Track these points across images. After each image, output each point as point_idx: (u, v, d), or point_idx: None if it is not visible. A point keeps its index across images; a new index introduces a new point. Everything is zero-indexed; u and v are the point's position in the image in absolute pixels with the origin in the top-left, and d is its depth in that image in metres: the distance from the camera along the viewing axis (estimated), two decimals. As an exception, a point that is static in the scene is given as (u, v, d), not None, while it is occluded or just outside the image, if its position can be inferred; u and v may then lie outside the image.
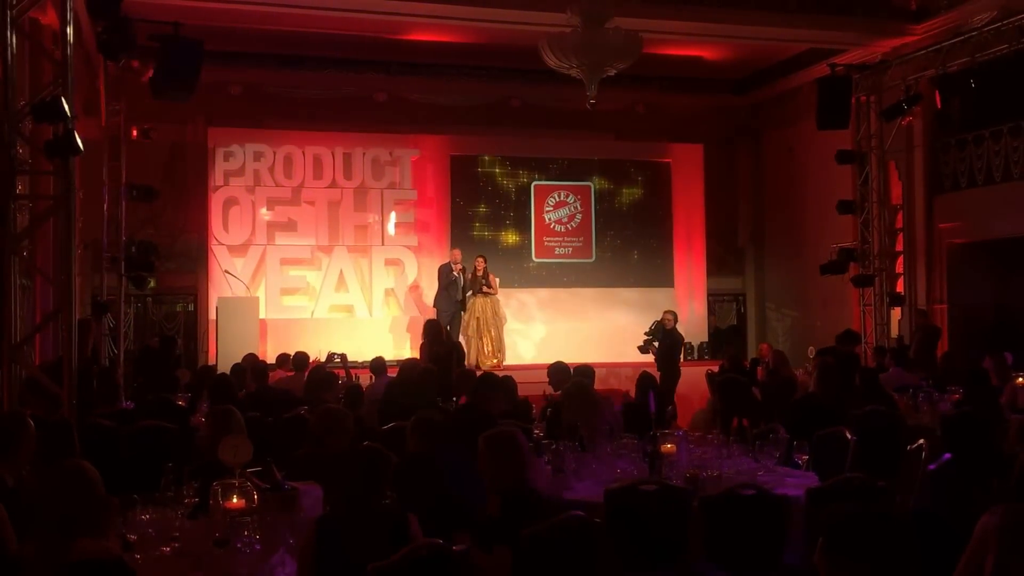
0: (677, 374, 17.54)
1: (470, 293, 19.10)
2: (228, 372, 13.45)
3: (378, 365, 13.81)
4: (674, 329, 18.24)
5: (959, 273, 18.56)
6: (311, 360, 15.43)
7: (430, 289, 19.91)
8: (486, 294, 18.94)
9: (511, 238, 21.85)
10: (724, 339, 22.76)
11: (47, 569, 4.65)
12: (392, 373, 13.49)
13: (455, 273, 19.01)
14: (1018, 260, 17.47)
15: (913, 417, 10.73)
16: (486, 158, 21.98)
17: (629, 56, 13.50)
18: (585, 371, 11.41)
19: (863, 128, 19.63)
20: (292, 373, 13.52)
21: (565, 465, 7.36)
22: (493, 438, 6.28)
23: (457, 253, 19.47)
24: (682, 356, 18.75)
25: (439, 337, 16.29)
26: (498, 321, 19.08)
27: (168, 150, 20.33)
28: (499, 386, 9.37)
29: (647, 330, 18.73)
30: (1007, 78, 16.04)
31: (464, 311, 19.18)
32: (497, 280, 19.33)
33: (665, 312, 18.74)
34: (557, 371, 11.50)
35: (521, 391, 11.15)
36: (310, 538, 5.29)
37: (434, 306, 19.31)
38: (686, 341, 20.31)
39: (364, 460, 5.62)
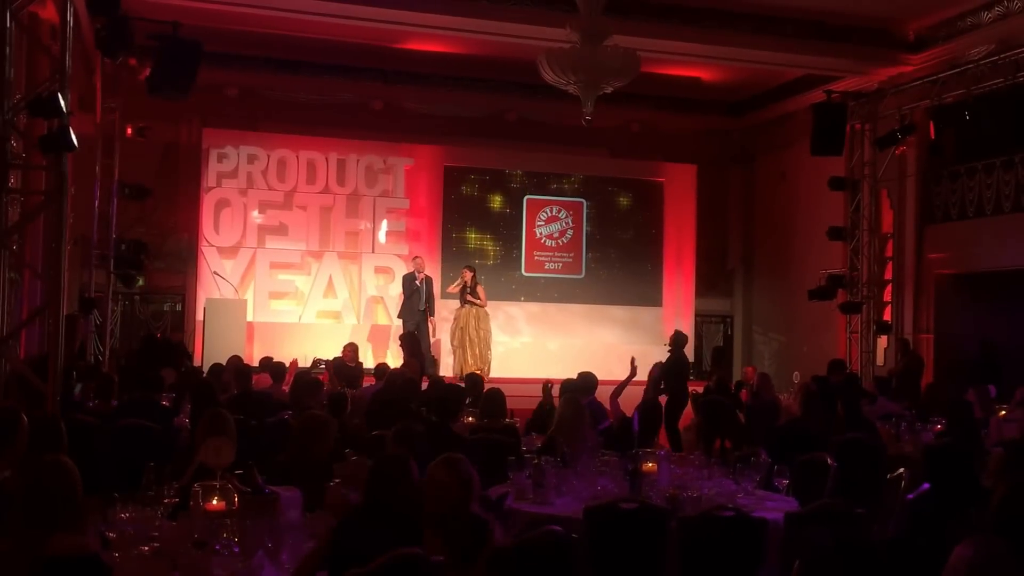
0: (680, 398, 15.92)
1: (458, 304, 19.09)
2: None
3: (380, 372, 13.80)
4: (674, 349, 16.79)
5: (946, 304, 18.61)
6: (291, 363, 15.44)
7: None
8: (471, 303, 18.88)
9: (501, 251, 21.87)
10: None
11: (22, 563, 4.63)
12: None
13: (417, 282, 19.04)
14: (1006, 293, 17.52)
15: (895, 446, 10.75)
16: (480, 170, 22.02)
17: (627, 74, 13.52)
18: (588, 381, 11.37)
19: (856, 156, 19.70)
20: (271, 383, 13.49)
21: (546, 480, 7.36)
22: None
23: (420, 262, 19.52)
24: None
25: (418, 349, 16.36)
26: (482, 334, 19.00)
27: (162, 149, 20.37)
28: None
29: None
30: (1002, 111, 16.10)
31: (426, 322, 19.27)
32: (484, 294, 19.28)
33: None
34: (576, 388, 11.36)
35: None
36: (326, 541, 5.31)
37: (399, 317, 19.36)
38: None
39: (388, 468, 5.62)
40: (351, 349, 16.29)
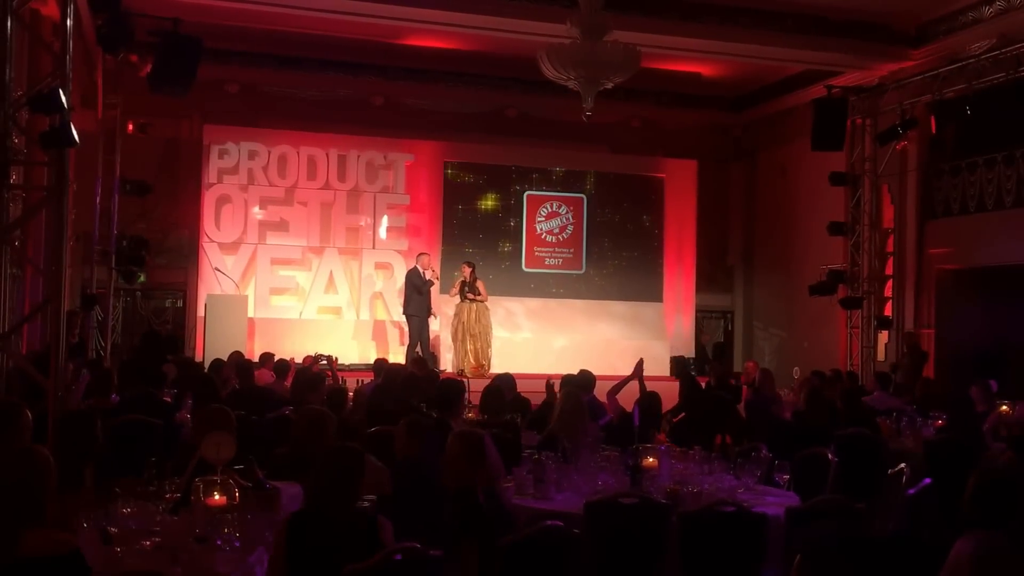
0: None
1: (458, 299, 18.94)
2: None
3: (379, 368, 13.78)
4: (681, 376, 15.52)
5: (947, 299, 18.57)
6: (293, 360, 15.45)
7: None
8: (472, 300, 18.75)
9: (502, 247, 21.86)
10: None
11: None
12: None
13: (428, 277, 18.96)
14: (1007, 288, 17.49)
15: (896, 441, 10.75)
16: (480, 165, 22.01)
17: (627, 70, 13.50)
18: (586, 378, 11.40)
19: (857, 151, 19.70)
20: (274, 378, 13.52)
21: (547, 476, 7.37)
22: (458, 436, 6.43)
23: (425, 260, 19.27)
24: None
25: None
26: (483, 329, 18.87)
27: (163, 145, 20.38)
28: None
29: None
30: (1002, 106, 16.09)
31: (432, 317, 19.26)
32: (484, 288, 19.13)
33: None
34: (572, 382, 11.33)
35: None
36: (281, 535, 5.29)
37: (406, 313, 19.08)
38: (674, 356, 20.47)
39: (338, 459, 5.61)
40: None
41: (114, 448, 8.98)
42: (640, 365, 11.94)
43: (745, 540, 6.58)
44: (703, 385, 15.04)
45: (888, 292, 19.60)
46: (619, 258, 22.55)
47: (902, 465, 8.69)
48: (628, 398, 11.39)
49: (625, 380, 11.63)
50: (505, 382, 11.93)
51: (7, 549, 4.45)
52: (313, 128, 20.93)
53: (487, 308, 18.98)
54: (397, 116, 21.62)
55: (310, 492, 5.60)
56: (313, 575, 5.19)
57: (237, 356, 14.41)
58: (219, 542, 5.22)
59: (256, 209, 20.50)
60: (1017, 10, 15.80)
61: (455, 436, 6.41)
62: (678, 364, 15.49)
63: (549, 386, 12.32)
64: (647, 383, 12.15)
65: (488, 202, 21.95)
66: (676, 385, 16.46)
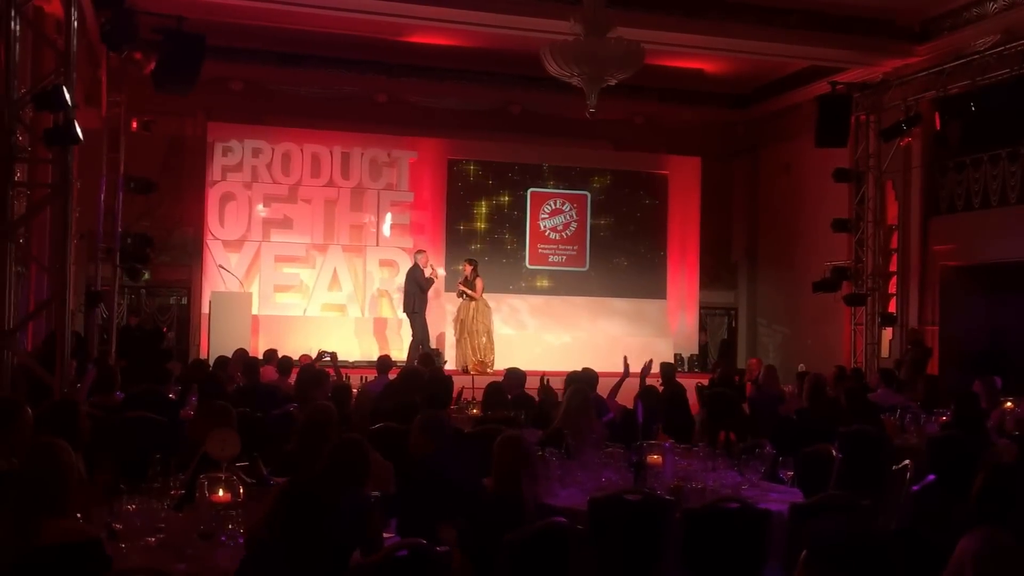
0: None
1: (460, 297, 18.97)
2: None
3: (382, 364, 13.76)
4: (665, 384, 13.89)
5: (952, 296, 18.56)
6: (299, 358, 15.46)
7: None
8: (470, 297, 18.74)
9: (505, 244, 21.86)
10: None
11: (15, 550, 4.52)
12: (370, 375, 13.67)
13: (429, 275, 18.98)
14: (1011, 285, 17.49)
15: (899, 438, 10.74)
16: (484, 163, 22.01)
17: (630, 66, 13.48)
18: (590, 376, 11.41)
19: (861, 147, 19.69)
20: (277, 376, 13.52)
21: (550, 472, 7.36)
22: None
23: (424, 257, 19.23)
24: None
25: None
26: (480, 326, 18.75)
27: (167, 143, 20.41)
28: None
29: None
30: (1007, 103, 16.12)
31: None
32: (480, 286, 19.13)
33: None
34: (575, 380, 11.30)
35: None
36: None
37: (410, 311, 19.01)
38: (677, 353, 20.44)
39: (345, 453, 5.65)
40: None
41: (119, 445, 8.98)
42: (648, 366, 11.96)
43: (749, 536, 6.58)
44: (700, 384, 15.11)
45: (892, 289, 19.61)
46: (622, 255, 22.54)
47: (906, 462, 8.68)
48: (628, 396, 11.38)
49: (620, 381, 11.60)
50: (515, 377, 11.91)
51: (28, 537, 4.54)
52: (317, 125, 20.94)
53: (487, 306, 18.96)
54: (401, 113, 21.63)
55: (314, 480, 5.58)
56: (314, 558, 5.21)
57: (242, 353, 14.41)
58: (223, 538, 5.22)
59: (260, 206, 20.52)
60: (1022, 6, 15.77)
61: (502, 441, 6.40)
62: (665, 373, 14.34)
63: (545, 385, 12.26)
64: (651, 382, 12.16)
65: (492, 199, 21.95)
66: (685, 383, 16.46)
